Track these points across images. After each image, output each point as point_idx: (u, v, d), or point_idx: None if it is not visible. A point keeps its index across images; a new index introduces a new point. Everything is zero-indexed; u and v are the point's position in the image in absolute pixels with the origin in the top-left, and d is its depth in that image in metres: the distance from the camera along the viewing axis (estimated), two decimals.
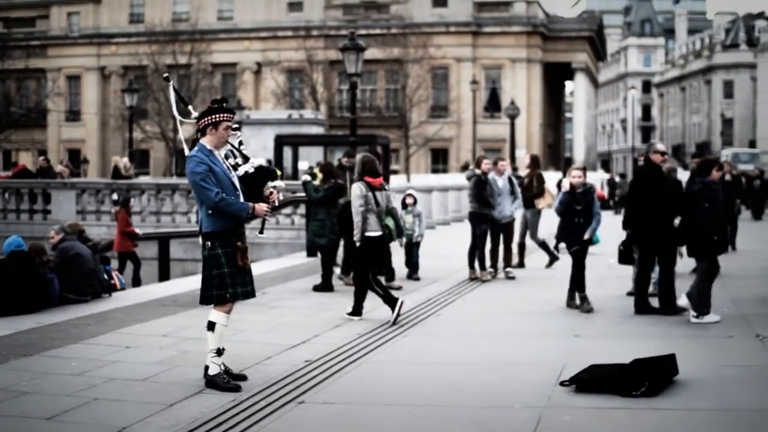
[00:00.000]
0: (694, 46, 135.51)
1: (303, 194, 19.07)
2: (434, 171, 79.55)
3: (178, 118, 9.75)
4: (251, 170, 9.41)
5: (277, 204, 9.54)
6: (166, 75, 10.47)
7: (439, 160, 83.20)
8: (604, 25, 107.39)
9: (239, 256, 9.15)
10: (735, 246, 22.53)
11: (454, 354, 11.12)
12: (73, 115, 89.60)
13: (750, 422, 8.05)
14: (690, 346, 11.10)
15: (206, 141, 9.14)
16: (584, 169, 14.74)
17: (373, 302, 14.94)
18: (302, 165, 47.16)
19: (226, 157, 9.33)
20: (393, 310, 13.06)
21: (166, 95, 70.62)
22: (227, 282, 9.11)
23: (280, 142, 48.71)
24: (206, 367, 9.25)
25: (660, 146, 13.90)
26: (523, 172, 19.94)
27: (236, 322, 11.54)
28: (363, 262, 13.53)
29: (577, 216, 14.17)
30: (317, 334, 12.15)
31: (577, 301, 14.27)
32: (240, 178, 9.31)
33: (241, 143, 9.55)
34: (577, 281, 14.28)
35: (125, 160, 38.75)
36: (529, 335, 12.37)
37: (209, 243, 9.12)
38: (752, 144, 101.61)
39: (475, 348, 11.45)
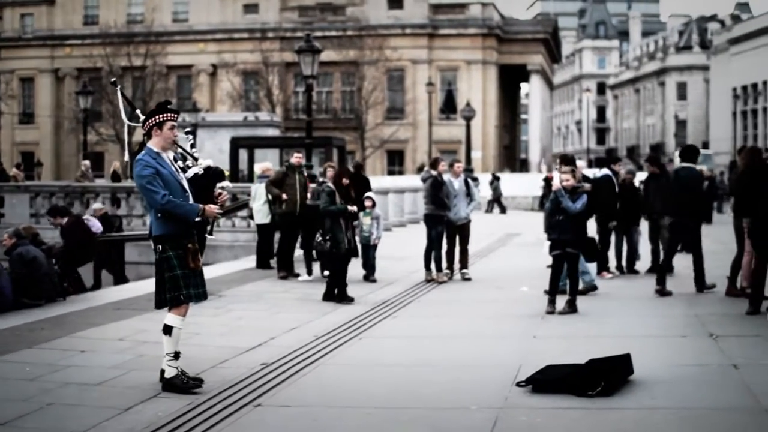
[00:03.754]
0: (648, 49, 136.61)
1: (247, 197, 19.25)
2: (390, 173, 79.56)
3: (127, 123, 9.71)
4: (200, 172, 9.39)
5: (226, 205, 9.53)
6: (113, 80, 10.46)
7: (395, 162, 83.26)
8: (559, 27, 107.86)
9: (190, 258, 9.11)
10: None
11: (411, 356, 11.13)
12: (27, 117, 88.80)
13: (705, 421, 8.12)
14: (645, 345, 11.17)
15: (153, 143, 9.11)
16: (573, 172, 14.54)
17: (331, 306, 14.96)
18: (257, 168, 46.99)
19: (175, 160, 9.29)
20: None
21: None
22: (180, 284, 9.07)
23: (236, 144, 48.56)
24: (162, 371, 9.21)
25: None
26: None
27: (192, 325, 11.49)
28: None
29: (559, 213, 14.10)
30: (273, 337, 12.12)
31: (560, 307, 13.97)
32: (190, 179, 9.28)
33: (193, 146, 9.52)
34: (557, 285, 14.18)
35: (116, 163, 38.77)
36: (486, 336, 12.40)
37: (160, 247, 9.09)
38: (705, 145, 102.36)
39: (431, 349, 11.47)
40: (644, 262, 19.24)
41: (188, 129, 9.85)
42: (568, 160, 17.02)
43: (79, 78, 77.12)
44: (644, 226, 19.60)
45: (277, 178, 19.31)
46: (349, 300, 15.29)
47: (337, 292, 15.44)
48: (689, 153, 16.08)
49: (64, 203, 30.65)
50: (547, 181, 31.33)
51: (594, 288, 16.05)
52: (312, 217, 18.42)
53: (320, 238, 15.73)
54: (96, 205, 21.78)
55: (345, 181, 16.13)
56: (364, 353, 11.28)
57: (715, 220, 36.38)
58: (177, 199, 8.99)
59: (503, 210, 48.20)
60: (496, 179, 50.36)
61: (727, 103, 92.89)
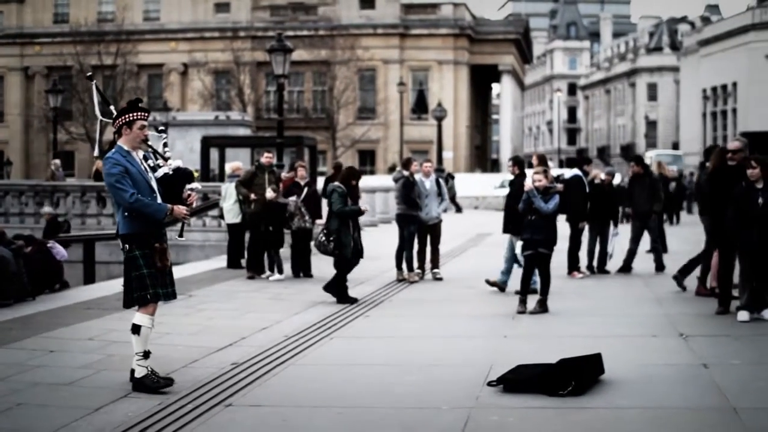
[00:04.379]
0: (619, 49, 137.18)
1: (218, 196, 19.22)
2: (361, 173, 79.45)
3: (100, 118, 9.66)
4: (170, 172, 9.36)
5: (195, 206, 9.50)
6: (89, 74, 10.40)
7: (367, 161, 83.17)
8: (530, 28, 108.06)
9: (158, 257, 9.09)
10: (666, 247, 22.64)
11: (382, 355, 11.13)
12: None
13: (675, 420, 8.15)
14: (616, 345, 11.21)
15: (123, 142, 9.09)
16: (545, 172, 14.57)
17: (300, 305, 14.94)
18: (228, 167, 46.85)
19: (145, 159, 9.26)
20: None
21: (91, 96, 70.23)
22: (147, 283, 9.05)
23: (207, 143, 48.39)
24: (132, 371, 9.17)
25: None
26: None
27: (162, 325, 11.45)
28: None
29: (531, 213, 14.12)
30: (244, 337, 12.09)
31: (531, 306, 14.00)
32: (159, 179, 9.25)
33: (165, 145, 9.49)
34: (528, 285, 14.19)
35: (99, 162, 38.51)
36: (457, 336, 12.41)
37: (127, 246, 9.08)
38: (675, 146, 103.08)
39: (402, 349, 11.47)
40: (616, 262, 19.32)
41: (162, 127, 9.80)
42: (543, 159, 17.15)
43: (49, 76, 76.67)
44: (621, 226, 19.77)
45: (246, 178, 19.27)
46: (352, 300, 15.29)
47: (337, 294, 15.39)
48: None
49: (34, 202, 30.53)
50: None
51: (501, 289, 16.34)
52: (281, 216, 18.43)
53: (324, 238, 15.57)
54: (46, 209, 21.58)
55: (353, 182, 16.10)
56: (335, 353, 11.26)
57: (684, 220, 36.60)
58: (145, 198, 8.96)
59: (459, 209, 48.09)
60: (451, 178, 50.50)
61: (697, 104, 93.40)
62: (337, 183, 15.92)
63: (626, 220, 20.64)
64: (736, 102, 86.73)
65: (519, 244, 14.82)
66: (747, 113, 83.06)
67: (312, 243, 16.10)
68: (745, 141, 14.52)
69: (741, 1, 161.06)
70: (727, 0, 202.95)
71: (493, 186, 54.53)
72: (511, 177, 17.36)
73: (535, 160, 17.55)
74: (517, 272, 15.28)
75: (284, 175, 20.68)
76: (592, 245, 19.21)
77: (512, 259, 16.41)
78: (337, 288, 15.40)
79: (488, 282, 16.62)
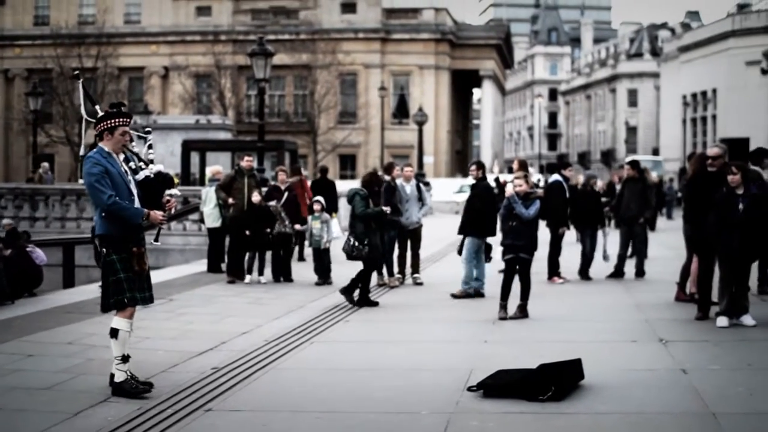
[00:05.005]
0: (600, 55, 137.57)
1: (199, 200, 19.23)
2: (342, 177, 79.22)
3: (86, 118, 9.63)
4: (151, 175, 9.34)
5: (173, 212, 9.49)
6: (77, 72, 10.38)
7: (348, 166, 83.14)
8: (511, 33, 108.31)
9: (135, 260, 9.07)
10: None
11: (362, 360, 11.12)
12: None
13: (654, 425, 8.17)
14: (595, 350, 11.24)
15: (104, 145, 9.09)
16: (525, 176, 14.62)
17: (281, 310, 14.92)
18: (208, 171, 46.77)
19: (127, 161, 9.24)
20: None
21: (71, 99, 69.86)
22: (124, 287, 9.04)
23: (188, 147, 48.33)
24: (112, 375, 9.14)
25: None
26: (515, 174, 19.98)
27: (142, 329, 11.42)
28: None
29: (512, 219, 14.14)
30: (224, 341, 12.07)
31: (512, 312, 14.00)
32: (140, 182, 9.23)
33: (150, 147, 9.48)
34: (509, 290, 14.14)
35: None
36: (437, 341, 12.41)
37: (104, 249, 9.07)
38: (655, 152, 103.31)
39: (382, 354, 11.47)
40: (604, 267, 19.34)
41: (147, 128, 9.80)
42: (524, 165, 17.24)
43: (29, 79, 76.26)
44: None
45: (225, 182, 19.26)
46: (373, 304, 15.44)
47: (359, 298, 15.47)
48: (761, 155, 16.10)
49: (13, 206, 30.40)
50: (498, 181, 31.56)
51: (481, 295, 16.27)
52: (262, 219, 18.41)
53: (356, 243, 15.63)
54: (5, 221, 21.45)
55: (375, 188, 16.40)
56: (316, 357, 11.25)
57: (664, 226, 36.68)
58: (123, 201, 8.95)
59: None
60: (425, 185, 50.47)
61: (677, 110, 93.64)
62: (358, 187, 16.30)
63: (609, 222, 20.58)
64: (716, 108, 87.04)
65: (499, 249, 14.82)
66: (726, 120, 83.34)
67: (342, 250, 16.12)
68: (724, 147, 14.58)
69: (721, 8, 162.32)
70: (708, 7, 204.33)
71: (452, 191, 54.26)
72: (473, 181, 17.40)
73: (516, 165, 17.63)
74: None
75: (288, 179, 20.86)
76: (586, 249, 19.15)
77: (472, 260, 16.46)
78: (362, 292, 15.57)
79: (454, 295, 16.49)
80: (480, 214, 16.69)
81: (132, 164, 9.28)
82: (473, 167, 17.28)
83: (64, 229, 29.71)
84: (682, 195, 17.62)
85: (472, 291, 16.42)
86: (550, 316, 14.22)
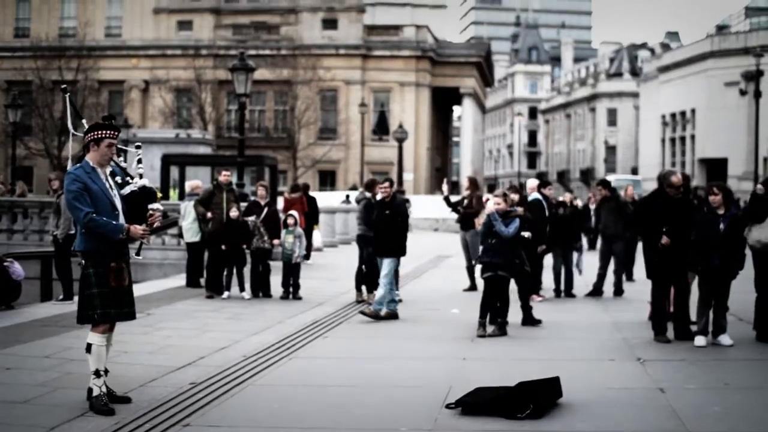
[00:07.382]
0: (579, 74, 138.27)
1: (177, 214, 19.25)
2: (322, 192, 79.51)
3: (72, 131, 9.63)
4: (137, 190, 9.33)
5: (155, 226, 9.45)
6: (64, 86, 10.40)
7: (327, 182, 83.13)
8: (492, 51, 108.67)
9: (112, 276, 9.04)
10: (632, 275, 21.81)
11: (341, 376, 11.11)
12: None
13: None
14: (574, 368, 11.26)
15: (90, 158, 9.09)
16: (505, 196, 14.64)
17: (259, 325, 14.90)
18: (187, 186, 46.66)
19: (113, 175, 9.23)
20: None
21: (51, 111, 69.71)
22: (96, 302, 9.03)
23: (167, 161, 48.21)
24: (90, 389, 9.11)
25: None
26: (464, 193, 19.99)
27: (121, 343, 11.38)
28: None
29: (492, 237, 14.17)
30: (203, 356, 12.04)
31: (490, 329, 14.02)
32: (125, 197, 9.22)
33: (140, 161, 9.48)
34: (487, 308, 14.15)
35: None
36: (416, 357, 12.41)
37: (83, 262, 9.07)
38: (634, 171, 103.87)
39: (361, 370, 11.46)
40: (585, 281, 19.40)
41: (138, 143, 9.84)
42: (474, 182, 17.43)
43: (8, 91, 75.97)
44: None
45: (204, 197, 19.26)
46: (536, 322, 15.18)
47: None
48: None
49: None
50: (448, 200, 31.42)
51: (396, 317, 16.02)
52: (239, 234, 18.40)
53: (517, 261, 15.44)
54: None
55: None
56: (294, 374, 11.24)
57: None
58: (105, 216, 8.93)
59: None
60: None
61: (656, 130, 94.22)
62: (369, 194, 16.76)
63: (588, 242, 20.70)
64: (695, 128, 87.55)
65: (478, 267, 14.82)
66: (705, 139, 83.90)
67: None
68: (687, 176, 14.70)
69: (700, 29, 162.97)
70: (687, 27, 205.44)
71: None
72: (368, 195, 17.47)
73: (466, 182, 17.70)
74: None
75: (291, 195, 20.94)
76: (557, 268, 19.22)
77: (392, 280, 16.25)
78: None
79: (364, 313, 16.09)
80: (403, 231, 16.63)
81: (118, 178, 9.27)
82: (387, 184, 16.90)
83: (42, 242, 29.53)
84: (634, 208, 17.41)
85: (383, 314, 15.92)
86: (528, 334, 14.25)
